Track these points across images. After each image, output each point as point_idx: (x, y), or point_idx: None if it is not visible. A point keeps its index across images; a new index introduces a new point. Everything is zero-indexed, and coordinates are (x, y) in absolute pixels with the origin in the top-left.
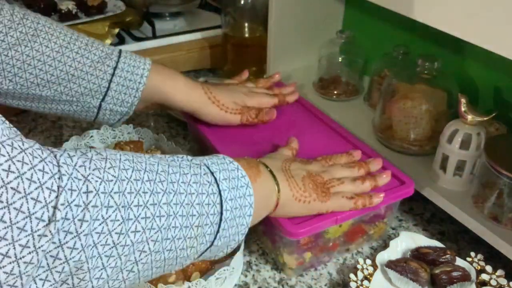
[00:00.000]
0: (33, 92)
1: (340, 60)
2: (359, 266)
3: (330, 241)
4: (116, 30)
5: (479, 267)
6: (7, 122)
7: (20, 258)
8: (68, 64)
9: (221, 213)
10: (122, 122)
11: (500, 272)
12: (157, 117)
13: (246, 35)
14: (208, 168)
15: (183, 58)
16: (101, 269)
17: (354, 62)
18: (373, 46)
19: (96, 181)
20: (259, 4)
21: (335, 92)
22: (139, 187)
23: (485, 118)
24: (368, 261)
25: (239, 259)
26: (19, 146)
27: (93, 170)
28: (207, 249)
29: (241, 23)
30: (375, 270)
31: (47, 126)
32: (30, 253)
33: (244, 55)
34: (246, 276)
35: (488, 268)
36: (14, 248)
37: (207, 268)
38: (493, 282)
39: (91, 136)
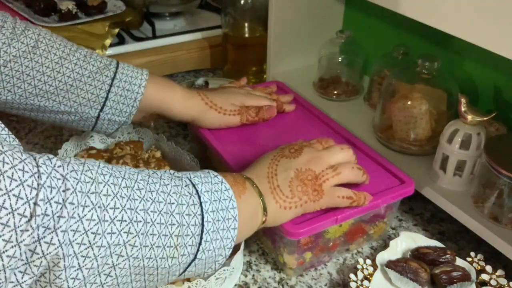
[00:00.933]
0: (32, 102)
1: (340, 60)
2: (359, 266)
3: (330, 241)
4: (116, 30)
5: (479, 267)
6: None
7: (3, 252)
8: (67, 75)
9: (203, 225)
10: (120, 131)
11: (500, 272)
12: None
13: (246, 35)
14: (190, 180)
15: (183, 58)
16: (77, 269)
17: (354, 62)
18: (373, 46)
19: (74, 180)
20: (259, 4)
21: (335, 92)
22: (116, 191)
23: (485, 118)
24: (368, 261)
25: (239, 259)
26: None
27: (71, 171)
28: (191, 262)
29: (241, 23)
30: (375, 270)
31: (47, 126)
32: (12, 247)
33: (244, 55)
34: (246, 276)
35: (488, 268)
36: None
37: None
38: (493, 282)
39: (91, 136)
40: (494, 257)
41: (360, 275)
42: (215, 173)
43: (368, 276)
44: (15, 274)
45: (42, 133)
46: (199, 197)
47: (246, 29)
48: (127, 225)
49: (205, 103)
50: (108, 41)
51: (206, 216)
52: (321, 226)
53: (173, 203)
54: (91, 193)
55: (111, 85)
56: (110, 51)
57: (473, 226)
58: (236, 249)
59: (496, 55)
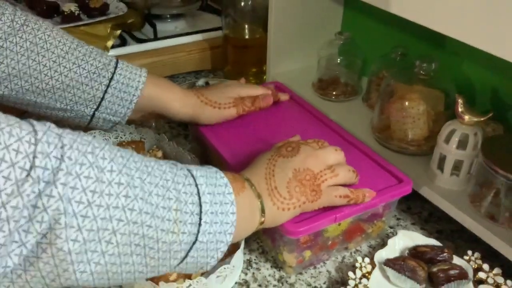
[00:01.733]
0: (28, 98)
1: (339, 61)
2: (357, 264)
3: (329, 239)
4: (118, 32)
5: (476, 265)
6: None
7: (7, 203)
8: (64, 74)
9: (200, 205)
10: (114, 128)
11: (497, 270)
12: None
13: (246, 36)
14: (185, 167)
15: (184, 60)
16: (77, 230)
17: (352, 63)
18: (371, 47)
19: (70, 139)
20: (259, 6)
21: (334, 92)
22: (112, 157)
23: (482, 119)
24: (367, 260)
25: (239, 257)
26: None
27: (67, 133)
28: (192, 245)
29: (241, 25)
30: (373, 268)
31: None
32: (15, 197)
33: (244, 56)
34: (246, 274)
35: (485, 267)
36: (0, 196)
37: None
38: (490, 281)
39: (94, 137)
40: (491, 256)
41: (358, 273)
42: (210, 166)
43: (367, 274)
44: (18, 233)
45: None
46: (195, 180)
47: (246, 31)
48: (124, 188)
49: (201, 100)
50: (110, 43)
51: (203, 197)
52: (320, 225)
53: (169, 180)
54: (88, 153)
55: (108, 86)
56: (112, 53)
57: (470, 225)
58: (236, 247)
59: (493, 56)
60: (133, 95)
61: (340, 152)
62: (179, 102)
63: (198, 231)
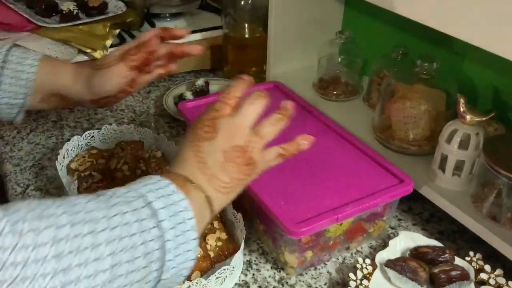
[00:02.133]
0: None
1: (339, 61)
2: (358, 265)
3: (330, 239)
4: (117, 31)
5: (477, 266)
6: None
7: None
8: None
9: (164, 246)
10: (22, 115)
11: (498, 271)
12: (157, 117)
13: (246, 35)
14: (142, 200)
15: (183, 59)
16: None
17: (353, 62)
18: (372, 46)
19: (28, 240)
20: (259, 5)
21: (335, 92)
22: (78, 245)
23: (483, 118)
24: (368, 261)
25: (239, 258)
26: None
27: (26, 233)
28: (157, 283)
29: (241, 24)
30: (374, 269)
31: (48, 126)
32: None
33: (244, 55)
34: (246, 275)
35: (487, 268)
36: None
37: (207, 267)
38: (491, 281)
39: (92, 136)
40: (492, 257)
41: (359, 274)
42: (161, 178)
43: (368, 275)
44: None
45: (43, 133)
46: (157, 216)
47: (246, 30)
48: (93, 279)
49: (91, 68)
50: (109, 42)
51: (166, 235)
52: (322, 225)
53: (135, 233)
54: (52, 256)
55: (2, 68)
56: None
57: (471, 226)
58: (236, 248)
59: (495, 56)
60: (28, 72)
61: (256, 101)
62: (71, 75)
63: (162, 271)
